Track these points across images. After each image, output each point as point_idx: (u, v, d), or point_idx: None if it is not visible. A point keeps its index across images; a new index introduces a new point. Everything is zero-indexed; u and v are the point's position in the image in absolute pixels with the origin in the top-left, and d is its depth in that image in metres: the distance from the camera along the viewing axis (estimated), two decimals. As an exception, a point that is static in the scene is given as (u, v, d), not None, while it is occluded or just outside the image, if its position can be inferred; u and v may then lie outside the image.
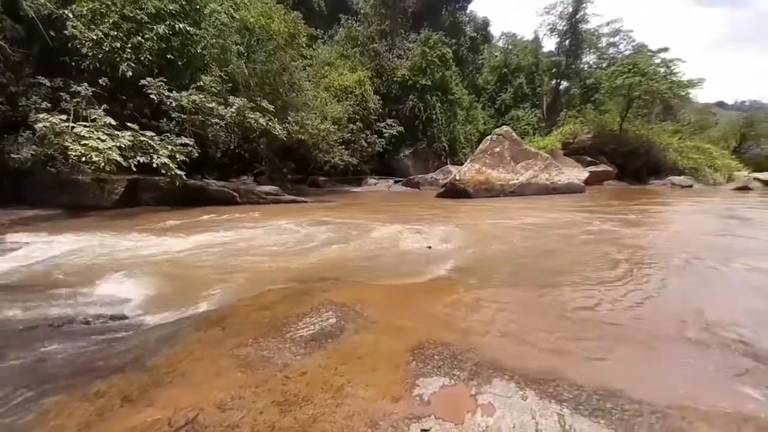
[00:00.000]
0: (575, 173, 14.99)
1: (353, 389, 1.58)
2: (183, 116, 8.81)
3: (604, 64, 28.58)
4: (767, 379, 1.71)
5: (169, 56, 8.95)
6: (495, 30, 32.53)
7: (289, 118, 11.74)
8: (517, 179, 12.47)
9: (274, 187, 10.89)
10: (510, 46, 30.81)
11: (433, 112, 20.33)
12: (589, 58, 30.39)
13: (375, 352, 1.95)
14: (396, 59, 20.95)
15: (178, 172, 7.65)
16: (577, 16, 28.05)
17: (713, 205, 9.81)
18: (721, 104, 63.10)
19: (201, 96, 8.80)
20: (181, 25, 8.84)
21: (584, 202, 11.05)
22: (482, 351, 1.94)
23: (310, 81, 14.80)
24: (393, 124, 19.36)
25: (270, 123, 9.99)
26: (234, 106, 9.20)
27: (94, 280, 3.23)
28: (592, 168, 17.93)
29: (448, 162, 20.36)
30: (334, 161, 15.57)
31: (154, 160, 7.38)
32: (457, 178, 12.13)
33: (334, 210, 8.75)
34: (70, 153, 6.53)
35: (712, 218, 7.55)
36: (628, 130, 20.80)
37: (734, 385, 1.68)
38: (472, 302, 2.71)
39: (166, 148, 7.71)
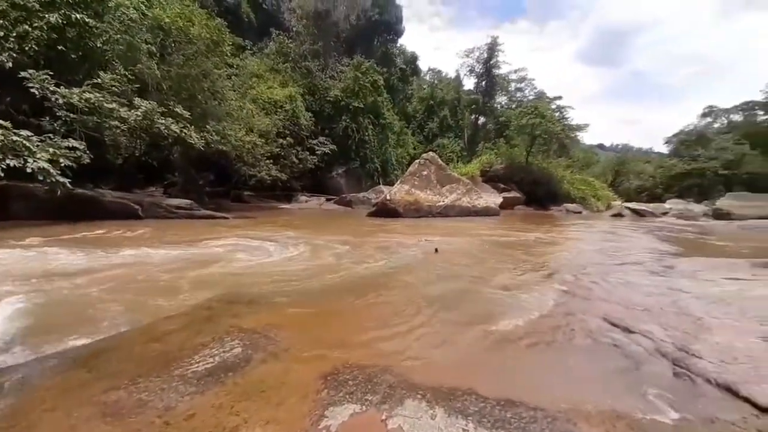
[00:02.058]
0: (492, 198, 16.56)
1: (250, 430, 1.38)
2: (72, 116, 7.53)
3: (513, 105, 32.80)
4: (638, 378, 1.98)
5: (60, 48, 7.69)
6: (423, 65, 35.37)
7: (208, 127, 10.84)
8: (443, 201, 13.29)
9: (187, 200, 9.81)
10: (436, 81, 33.57)
11: (366, 134, 20.84)
12: (501, 99, 34.67)
13: (283, 383, 1.77)
14: (329, 80, 21.18)
15: (61, 179, 6.41)
16: (491, 62, 32.00)
17: (598, 228, 11.63)
18: (601, 146, 76.87)
19: (98, 94, 7.66)
20: (78, 16, 7.75)
21: (505, 223, 12.19)
22: (398, 371, 1.90)
23: (235, 91, 13.99)
24: (326, 142, 19.29)
25: (185, 131, 9.08)
26: (140, 109, 8.17)
27: None
28: (505, 194, 20.03)
29: (381, 182, 20.88)
30: (261, 175, 14.78)
31: (28, 165, 6.09)
32: (389, 198, 12.45)
33: (252, 228, 8.18)
34: None
35: (598, 238, 8.91)
36: (532, 163, 23.92)
37: (611, 385, 1.90)
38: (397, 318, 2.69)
39: (47, 151, 6.44)
